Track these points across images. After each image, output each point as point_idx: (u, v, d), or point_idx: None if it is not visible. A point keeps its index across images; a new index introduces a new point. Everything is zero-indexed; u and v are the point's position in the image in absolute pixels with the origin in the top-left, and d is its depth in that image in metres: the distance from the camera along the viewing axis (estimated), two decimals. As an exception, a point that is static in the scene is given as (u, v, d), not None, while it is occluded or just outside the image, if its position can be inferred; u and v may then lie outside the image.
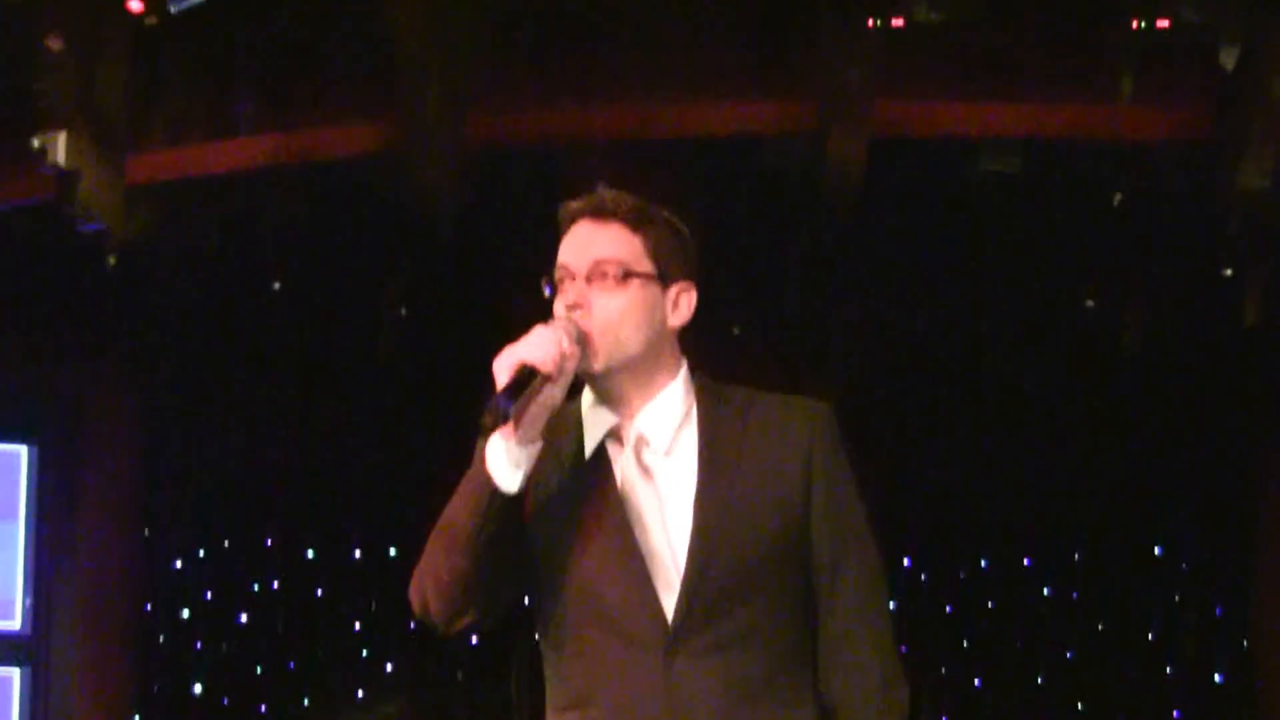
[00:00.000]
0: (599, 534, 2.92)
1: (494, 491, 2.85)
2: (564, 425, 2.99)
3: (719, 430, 2.99)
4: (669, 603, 2.88)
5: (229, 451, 9.63)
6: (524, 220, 5.36)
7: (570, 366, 2.89)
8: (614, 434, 3.00)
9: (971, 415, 9.09)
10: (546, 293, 3.01)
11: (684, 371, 3.05)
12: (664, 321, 3.00)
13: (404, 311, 7.96)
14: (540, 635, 3.00)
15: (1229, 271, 7.61)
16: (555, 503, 2.94)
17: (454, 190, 6.28)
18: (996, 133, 6.42)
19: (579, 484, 2.96)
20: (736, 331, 8.15)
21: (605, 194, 3.04)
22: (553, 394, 2.88)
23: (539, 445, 2.88)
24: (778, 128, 6.35)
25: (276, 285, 7.72)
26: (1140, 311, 8.05)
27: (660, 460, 2.97)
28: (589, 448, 2.99)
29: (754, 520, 2.92)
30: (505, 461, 2.86)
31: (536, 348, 2.85)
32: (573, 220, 3.03)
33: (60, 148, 5.95)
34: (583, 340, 2.91)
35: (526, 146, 6.64)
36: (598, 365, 2.94)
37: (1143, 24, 6.12)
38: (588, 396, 3.03)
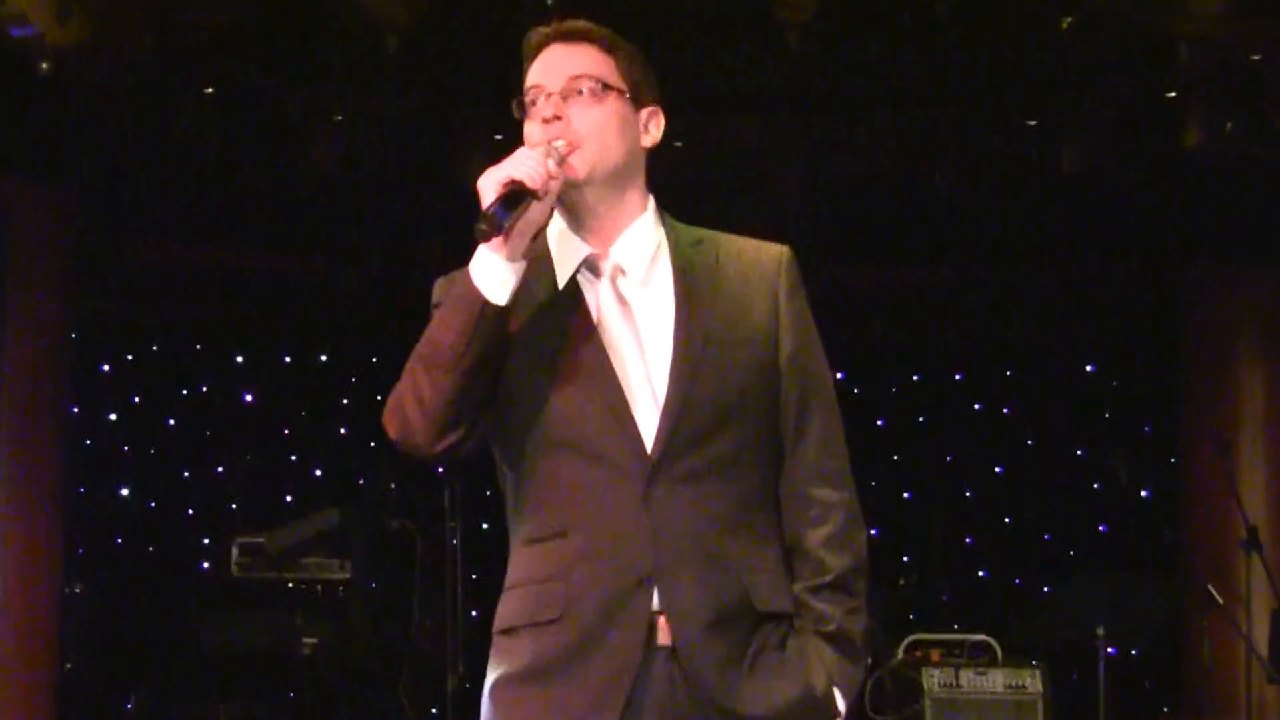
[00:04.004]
0: (576, 363, 2.89)
1: (484, 305, 2.81)
2: (532, 259, 2.94)
3: (692, 263, 2.97)
4: (647, 431, 2.85)
5: (160, 257, 9.51)
6: (473, 40, 5.22)
7: (554, 187, 2.85)
8: (589, 265, 2.97)
9: (912, 235, 9.08)
10: (517, 115, 2.97)
11: (652, 203, 3.03)
12: (638, 140, 2.98)
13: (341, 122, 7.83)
14: (510, 469, 2.96)
15: (1173, 94, 7.66)
16: (530, 333, 2.90)
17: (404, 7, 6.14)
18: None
19: (554, 315, 2.92)
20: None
21: (574, 21, 3.00)
22: (539, 213, 2.85)
23: (524, 265, 2.85)
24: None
25: (209, 90, 7.58)
26: (1083, 132, 8.04)
27: (637, 290, 2.95)
28: (562, 278, 2.95)
29: (730, 353, 2.91)
30: (494, 274, 2.82)
31: (522, 165, 2.81)
32: (541, 46, 2.99)
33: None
34: (564, 160, 2.86)
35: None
36: (583, 173, 2.90)
37: None
38: (555, 230, 3.00)
